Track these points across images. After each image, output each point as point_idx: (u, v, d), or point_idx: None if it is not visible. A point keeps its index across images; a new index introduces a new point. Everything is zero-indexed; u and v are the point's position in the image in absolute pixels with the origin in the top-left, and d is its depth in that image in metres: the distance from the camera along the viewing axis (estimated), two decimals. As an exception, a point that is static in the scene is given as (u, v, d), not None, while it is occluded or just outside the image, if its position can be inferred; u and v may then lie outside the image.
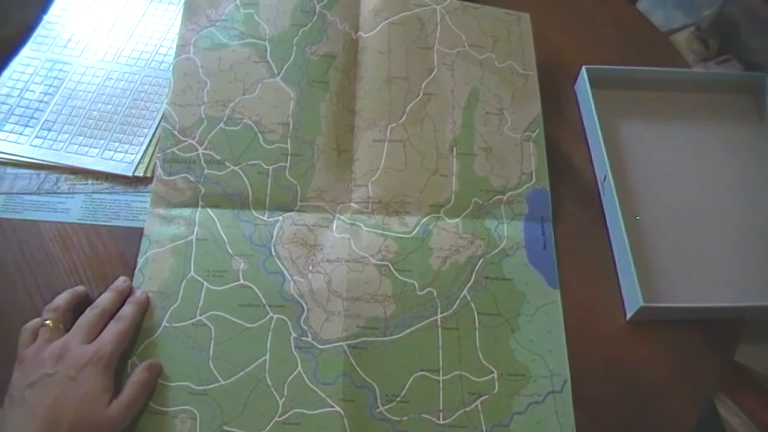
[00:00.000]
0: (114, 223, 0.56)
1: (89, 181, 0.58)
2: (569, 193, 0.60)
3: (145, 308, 0.50)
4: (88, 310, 0.48)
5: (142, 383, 0.46)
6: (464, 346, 0.51)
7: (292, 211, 0.56)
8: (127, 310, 0.49)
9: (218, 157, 0.57)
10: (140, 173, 0.58)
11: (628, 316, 0.53)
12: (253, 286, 0.52)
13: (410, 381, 0.49)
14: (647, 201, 0.60)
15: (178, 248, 0.53)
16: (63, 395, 0.42)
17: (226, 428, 0.47)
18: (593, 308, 0.54)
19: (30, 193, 0.58)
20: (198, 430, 0.47)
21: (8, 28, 0.68)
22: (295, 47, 0.61)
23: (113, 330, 0.47)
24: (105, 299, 0.49)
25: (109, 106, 0.62)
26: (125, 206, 0.57)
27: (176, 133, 0.57)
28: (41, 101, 0.62)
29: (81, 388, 0.43)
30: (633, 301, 0.52)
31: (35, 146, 0.59)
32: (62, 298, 0.49)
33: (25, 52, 0.65)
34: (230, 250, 0.53)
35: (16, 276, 0.53)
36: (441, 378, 0.49)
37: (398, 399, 0.48)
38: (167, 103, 0.59)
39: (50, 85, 0.63)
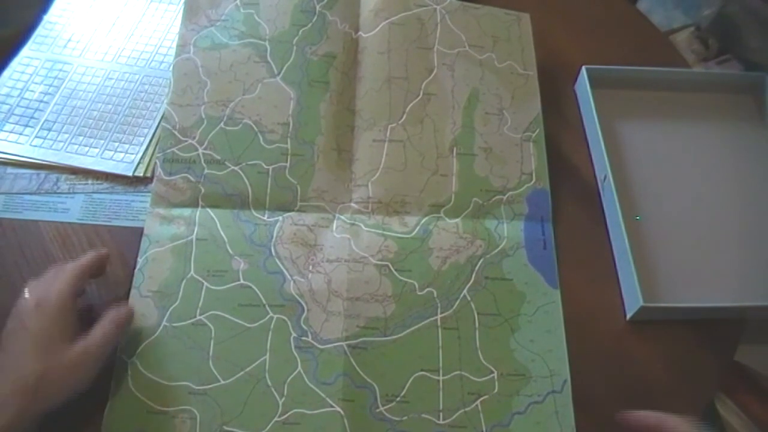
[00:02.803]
0: (114, 223, 0.56)
1: (89, 181, 0.58)
2: (569, 193, 0.60)
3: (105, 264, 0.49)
4: None
5: (112, 320, 0.45)
6: (464, 346, 0.51)
7: (292, 211, 0.56)
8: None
9: (218, 157, 0.57)
10: (140, 173, 0.58)
11: (628, 316, 0.53)
12: (253, 286, 0.52)
13: (410, 381, 0.49)
14: (647, 201, 0.60)
15: (178, 248, 0.53)
16: (15, 349, 0.42)
17: (226, 428, 0.47)
18: (593, 308, 0.54)
19: (30, 193, 0.58)
20: (198, 430, 0.47)
21: (8, 28, 0.68)
22: (295, 47, 0.61)
23: (65, 270, 0.46)
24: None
25: (109, 106, 0.62)
26: (125, 206, 0.57)
27: (176, 133, 0.57)
28: (41, 101, 0.62)
29: (29, 336, 0.42)
30: (633, 301, 0.52)
31: (35, 146, 0.59)
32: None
33: (25, 52, 0.65)
34: (230, 250, 0.53)
35: (16, 276, 0.53)
36: (441, 378, 0.49)
37: (398, 399, 0.48)
38: (167, 103, 0.59)
39: (50, 85, 0.63)
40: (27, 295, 0.44)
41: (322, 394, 0.48)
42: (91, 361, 0.43)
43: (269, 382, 0.48)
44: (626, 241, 0.53)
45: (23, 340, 0.42)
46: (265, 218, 0.55)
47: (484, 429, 0.48)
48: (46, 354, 0.41)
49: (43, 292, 0.44)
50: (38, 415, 0.41)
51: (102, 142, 0.60)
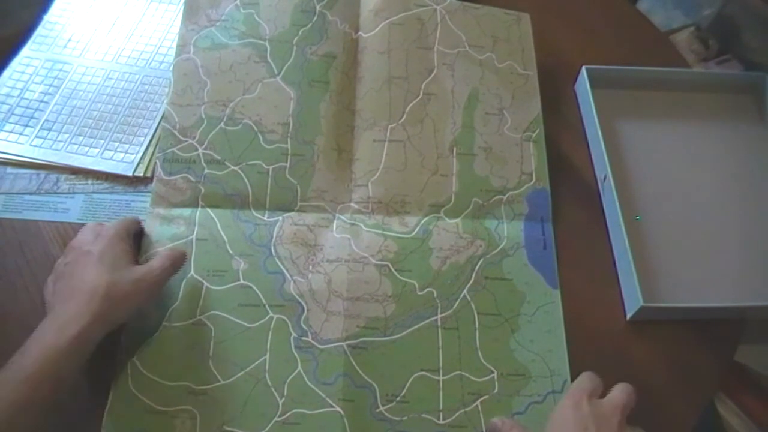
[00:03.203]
0: (114, 223, 0.56)
1: (89, 181, 0.58)
2: (569, 193, 0.60)
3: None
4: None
5: (169, 255, 0.49)
6: (464, 346, 0.51)
7: (292, 211, 0.56)
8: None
9: (218, 157, 0.57)
10: (140, 173, 0.58)
11: (628, 316, 0.53)
12: (253, 286, 0.52)
13: (410, 381, 0.49)
14: (647, 201, 0.60)
15: (178, 248, 0.53)
16: (82, 270, 0.45)
17: (226, 428, 0.47)
18: (593, 308, 0.54)
19: (30, 193, 0.58)
20: (198, 430, 0.47)
21: (8, 28, 0.68)
22: (295, 47, 0.61)
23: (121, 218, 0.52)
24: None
25: (109, 106, 0.62)
26: (125, 206, 0.57)
27: (176, 133, 0.57)
28: (41, 101, 0.62)
29: (94, 256, 0.46)
30: (633, 301, 0.52)
31: (35, 146, 0.59)
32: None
33: (26, 52, 0.65)
34: (230, 250, 0.53)
35: (16, 276, 0.53)
36: (441, 378, 0.49)
37: (398, 399, 0.48)
38: (167, 103, 0.59)
39: (50, 85, 0.63)
40: (81, 235, 0.50)
41: (322, 394, 0.48)
42: (151, 283, 0.47)
43: (269, 382, 0.48)
44: (626, 241, 0.53)
45: (88, 261, 0.46)
46: (265, 218, 0.55)
47: (484, 429, 0.48)
48: (113, 269, 0.45)
49: (97, 229, 0.50)
50: (107, 325, 0.44)
51: (102, 142, 0.60)
